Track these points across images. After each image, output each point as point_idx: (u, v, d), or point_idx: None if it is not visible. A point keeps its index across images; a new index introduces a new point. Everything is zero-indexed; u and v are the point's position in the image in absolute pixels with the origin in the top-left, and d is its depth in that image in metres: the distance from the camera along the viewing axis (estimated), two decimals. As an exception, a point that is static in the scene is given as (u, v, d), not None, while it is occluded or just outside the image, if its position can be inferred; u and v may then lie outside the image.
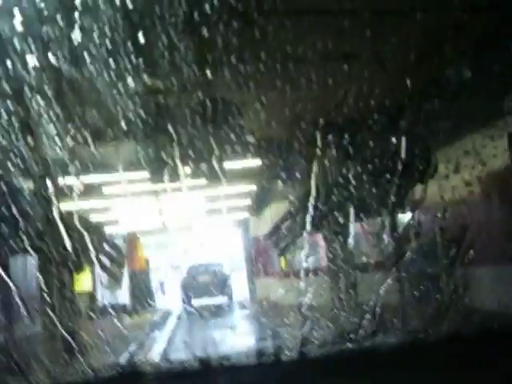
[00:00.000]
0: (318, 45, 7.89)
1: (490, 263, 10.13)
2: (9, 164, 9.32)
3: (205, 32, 6.68)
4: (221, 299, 25.14)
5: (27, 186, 11.88)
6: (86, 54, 6.67)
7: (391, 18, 7.85)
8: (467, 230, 10.48)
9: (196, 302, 25.04)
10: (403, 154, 8.50)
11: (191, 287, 25.67)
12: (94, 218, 16.18)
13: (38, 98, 7.63)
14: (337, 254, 11.91)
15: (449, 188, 10.40)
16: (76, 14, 5.95)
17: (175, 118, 9.98)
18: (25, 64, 6.84)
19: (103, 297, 23.71)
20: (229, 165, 12.59)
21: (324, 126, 10.97)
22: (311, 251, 20.57)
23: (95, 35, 6.25)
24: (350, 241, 11.79)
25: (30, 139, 8.78)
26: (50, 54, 6.69)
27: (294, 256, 20.22)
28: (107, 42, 6.42)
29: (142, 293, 25.14)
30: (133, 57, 6.81)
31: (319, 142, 11.78)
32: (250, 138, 11.46)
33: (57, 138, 9.19)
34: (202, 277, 26.15)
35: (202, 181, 13.74)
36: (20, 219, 9.68)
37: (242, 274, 29.07)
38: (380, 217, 11.16)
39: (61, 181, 12.21)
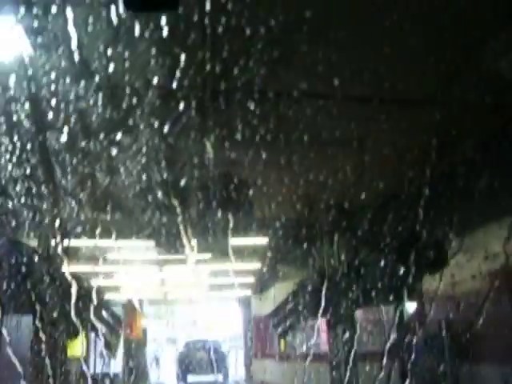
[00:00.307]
0: (333, 128, 7.93)
1: (497, 362, 9.80)
2: (13, 222, 9.36)
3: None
4: (216, 377, 24.65)
5: (32, 246, 11.81)
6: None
7: (405, 105, 7.89)
8: (474, 325, 10.23)
9: (191, 379, 25.17)
10: (414, 243, 8.40)
11: (187, 363, 25.37)
12: (95, 282, 15.95)
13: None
14: (339, 342, 11.60)
15: (458, 280, 10.22)
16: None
17: (184, 192, 9.98)
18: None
19: (96, 364, 23.13)
20: (235, 241, 12.48)
21: (334, 209, 10.93)
22: (312, 336, 20.17)
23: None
24: (354, 328, 11.54)
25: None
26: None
27: (295, 339, 19.83)
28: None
29: (136, 364, 24.56)
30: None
31: (328, 226, 11.75)
32: (259, 216, 11.41)
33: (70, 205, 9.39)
34: (199, 353, 25.80)
35: (207, 255, 13.63)
36: (19, 278, 9.58)
37: (239, 353, 28.44)
38: (386, 305, 10.95)
39: (65, 243, 12.16)
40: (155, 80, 5.47)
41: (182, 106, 5.99)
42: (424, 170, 8.40)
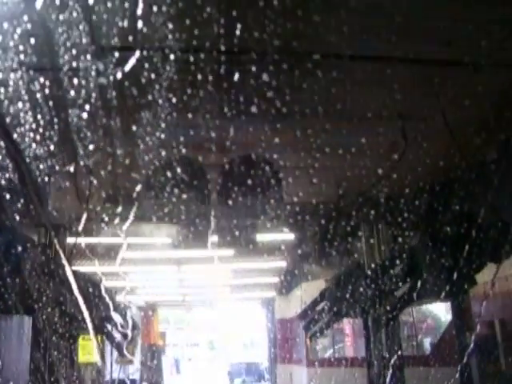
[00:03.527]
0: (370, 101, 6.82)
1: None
2: (20, 217, 8.40)
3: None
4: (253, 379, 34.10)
5: (38, 240, 10.95)
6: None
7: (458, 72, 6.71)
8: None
9: (237, 381, 35.13)
10: (472, 228, 7.25)
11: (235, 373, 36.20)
12: (108, 283, 14.96)
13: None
14: (379, 344, 10.44)
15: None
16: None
17: (207, 179, 8.90)
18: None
19: (112, 371, 22.40)
20: (260, 237, 11.37)
21: (368, 199, 9.85)
22: (346, 339, 19.12)
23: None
24: (397, 330, 10.38)
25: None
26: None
27: (325, 343, 18.77)
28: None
29: (155, 370, 23.84)
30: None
31: (361, 217, 10.61)
32: (286, 208, 10.28)
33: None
34: (241, 366, 36.59)
35: (229, 252, 12.61)
36: (19, 276, 8.65)
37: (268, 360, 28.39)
38: (432, 303, 9.86)
39: (73, 239, 11.18)
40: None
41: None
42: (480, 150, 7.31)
